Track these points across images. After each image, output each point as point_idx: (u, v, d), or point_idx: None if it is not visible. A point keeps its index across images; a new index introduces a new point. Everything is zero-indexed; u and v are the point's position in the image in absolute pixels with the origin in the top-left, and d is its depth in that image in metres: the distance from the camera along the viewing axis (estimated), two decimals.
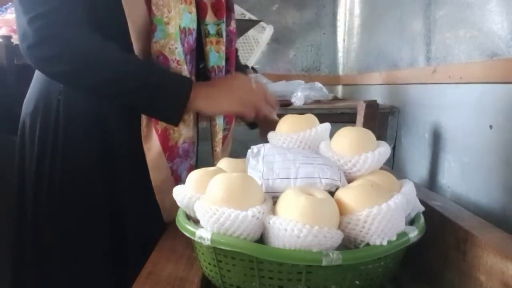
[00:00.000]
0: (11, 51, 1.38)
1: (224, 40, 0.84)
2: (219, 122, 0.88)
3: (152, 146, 0.76)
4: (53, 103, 0.79)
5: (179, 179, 0.80)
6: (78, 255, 0.83)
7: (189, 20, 0.77)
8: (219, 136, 0.89)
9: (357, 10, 2.08)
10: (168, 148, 0.77)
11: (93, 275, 0.84)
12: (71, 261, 0.83)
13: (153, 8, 0.71)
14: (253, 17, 2.17)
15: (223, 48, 0.84)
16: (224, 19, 0.84)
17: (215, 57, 0.82)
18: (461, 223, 0.64)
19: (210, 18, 0.81)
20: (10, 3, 1.57)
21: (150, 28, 0.72)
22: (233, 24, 0.88)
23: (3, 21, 1.49)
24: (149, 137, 0.76)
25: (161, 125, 0.76)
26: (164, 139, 0.77)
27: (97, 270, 0.84)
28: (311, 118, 0.74)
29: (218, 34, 0.82)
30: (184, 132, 0.79)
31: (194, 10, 0.78)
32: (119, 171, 0.81)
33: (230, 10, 0.87)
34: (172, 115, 0.74)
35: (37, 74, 0.86)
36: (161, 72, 0.74)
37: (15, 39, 1.40)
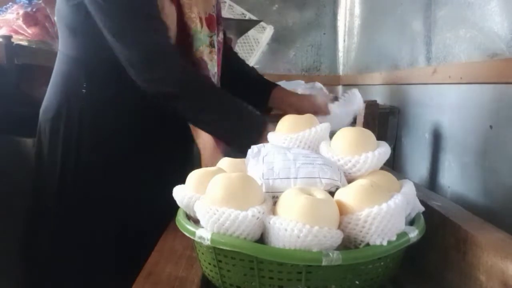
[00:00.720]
0: (11, 51, 1.37)
1: (216, 49, 0.93)
2: None
3: (206, 141, 0.87)
4: (76, 109, 0.87)
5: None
6: (93, 253, 0.89)
7: None
8: None
9: (357, 10, 2.08)
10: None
11: (104, 274, 0.90)
12: (85, 259, 0.89)
13: (188, 21, 0.81)
14: (253, 17, 2.17)
15: (215, 56, 0.92)
16: (215, 33, 0.93)
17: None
18: (461, 223, 0.64)
19: (204, 30, 0.89)
20: (10, 3, 1.57)
21: (187, 41, 0.82)
22: (221, 35, 0.96)
23: (3, 21, 1.48)
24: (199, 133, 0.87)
25: None
26: None
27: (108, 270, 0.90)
28: (310, 118, 0.74)
29: (211, 44, 0.91)
30: None
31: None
32: (131, 171, 0.89)
33: (219, 23, 0.96)
34: (241, 149, 0.80)
35: (54, 82, 0.92)
36: (243, 109, 0.81)
37: (15, 39, 1.40)
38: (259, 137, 0.77)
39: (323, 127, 0.72)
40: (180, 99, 0.79)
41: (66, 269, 0.89)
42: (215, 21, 0.92)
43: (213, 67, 0.92)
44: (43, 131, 0.92)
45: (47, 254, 0.90)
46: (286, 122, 0.74)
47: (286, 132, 0.73)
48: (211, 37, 0.91)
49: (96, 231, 0.89)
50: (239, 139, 0.80)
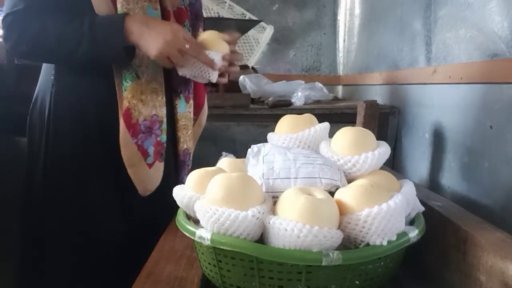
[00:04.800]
0: None
1: None
2: (181, 111, 0.97)
3: (120, 125, 0.85)
4: (47, 98, 0.88)
5: (146, 154, 0.88)
6: (91, 252, 0.88)
7: (154, 15, 0.87)
8: (182, 122, 0.97)
9: (357, 10, 2.08)
10: (131, 126, 0.85)
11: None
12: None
13: (117, 2, 0.84)
14: (254, 17, 2.17)
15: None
16: (187, 24, 0.95)
17: None
18: (461, 223, 0.64)
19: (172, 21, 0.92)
20: None
21: None
22: (201, 31, 0.99)
23: None
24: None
25: (125, 104, 0.85)
26: (127, 117, 0.85)
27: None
28: (310, 118, 0.74)
29: None
30: (143, 111, 0.86)
31: (158, 7, 0.88)
32: (96, 157, 0.89)
33: (198, 19, 0.99)
34: (115, 53, 0.81)
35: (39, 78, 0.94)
36: (95, 22, 0.82)
37: None
38: (122, 33, 0.79)
39: (322, 126, 0.72)
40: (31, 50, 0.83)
41: (61, 268, 0.88)
42: (184, 13, 0.95)
43: None
44: (27, 127, 0.93)
45: (41, 254, 0.89)
46: (286, 122, 0.74)
47: (286, 132, 0.73)
48: None
49: (85, 230, 0.88)
50: (105, 45, 0.81)
